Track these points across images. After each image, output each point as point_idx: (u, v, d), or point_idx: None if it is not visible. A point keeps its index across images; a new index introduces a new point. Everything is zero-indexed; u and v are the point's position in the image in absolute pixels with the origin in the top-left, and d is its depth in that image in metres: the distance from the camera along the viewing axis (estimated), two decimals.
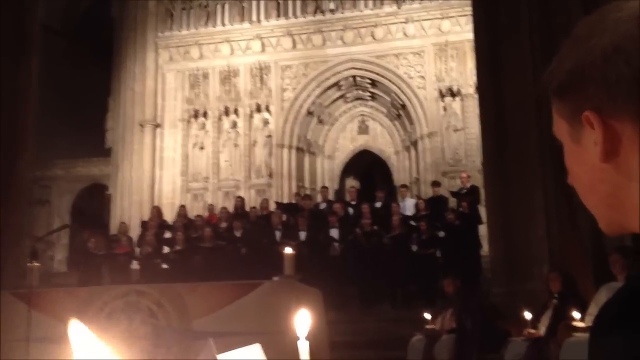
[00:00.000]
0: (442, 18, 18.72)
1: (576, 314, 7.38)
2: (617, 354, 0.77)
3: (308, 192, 18.70)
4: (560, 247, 9.01)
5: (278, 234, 14.03)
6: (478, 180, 14.76)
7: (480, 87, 11.18)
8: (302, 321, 1.14)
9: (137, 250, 15.01)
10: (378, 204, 14.73)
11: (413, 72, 18.92)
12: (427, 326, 9.59)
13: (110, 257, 14.73)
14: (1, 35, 10.42)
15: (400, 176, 19.69)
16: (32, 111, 11.09)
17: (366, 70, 19.51)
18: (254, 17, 20.18)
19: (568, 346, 7.00)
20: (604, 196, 0.89)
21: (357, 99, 20.57)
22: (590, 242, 8.52)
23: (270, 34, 20.03)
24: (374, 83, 19.72)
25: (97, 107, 21.57)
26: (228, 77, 20.18)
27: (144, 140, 19.92)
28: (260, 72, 19.97)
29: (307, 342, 1.12)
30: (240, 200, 16.65)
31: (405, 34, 19.05)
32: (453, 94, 18.52)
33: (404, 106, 19.25)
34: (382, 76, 19.30)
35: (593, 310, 7.19)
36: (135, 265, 14.60)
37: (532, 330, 7.93)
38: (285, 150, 19.69)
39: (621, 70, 0.83)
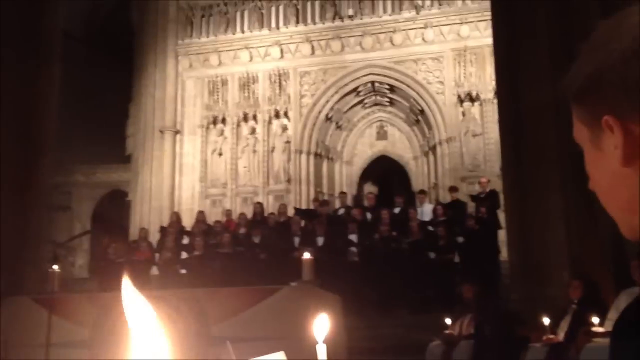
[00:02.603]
0: (461, 23, 18.69)
1: (595, 319, 7.33)
2: (638, 359, 0.77)
3: (326, 197, 18.69)
4: (580, 253, 8.93)
5: (296, 240, 14.00)
6: (497, 185, 14.68)
7: (499, 92, 11.13)
8: (321, 325, 1.14)
9: (157, 256, 15.06)
10: (396, 210, 14.68)
11: (432, 78, 18.89)
12: (446, 332, 9.55)
13: (130, 263, 14.78)
14: (23, 41, 10.50)
15: (418, 182, 19.66)
16: (53, 117, 11.14)
17: (385, 75, 19.51)
18: (273, 24, 20.26)
19: (587, 351, 6.95)
20: (625, 200, 0.88)
21: (376, 104, 20.58)
22: (611, 248, 8.44)
23: (289, 40, 20.08)
24: (392, 88, 19.71)
25: (117, 114, 21.71)
26: (247, 83, 20.26)
27: (164, 146, 20.03)
28: (279, 79, 20.03)
29: (325, 346, 1.12)
30: (259, 206, 16.65)
31: (424, 40, 19.04)
32: (472, 99, 18.48)
33: (422, 111, 19.22)
34: (401, 82, 19.29)
35: (613, 315, 7.14)
36: (154, 271, 14.65)
37: (551, 336, 7.88)
38: (304, 156, 19.71)
39: None
